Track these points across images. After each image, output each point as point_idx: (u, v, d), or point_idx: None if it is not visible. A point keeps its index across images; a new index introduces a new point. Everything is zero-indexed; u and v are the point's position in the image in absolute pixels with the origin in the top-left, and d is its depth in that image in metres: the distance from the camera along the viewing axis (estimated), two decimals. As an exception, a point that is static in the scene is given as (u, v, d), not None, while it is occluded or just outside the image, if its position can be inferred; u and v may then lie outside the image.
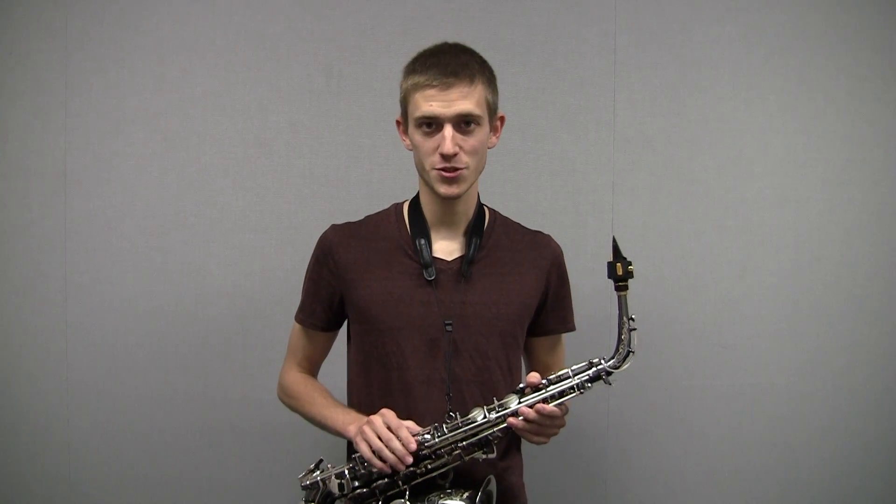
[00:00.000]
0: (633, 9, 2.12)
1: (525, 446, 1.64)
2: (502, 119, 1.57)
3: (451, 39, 1.56)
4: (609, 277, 1.39)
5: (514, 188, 2.10)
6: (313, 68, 2.11)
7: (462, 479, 1.45)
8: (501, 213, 1.65)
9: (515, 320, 1.56)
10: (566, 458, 2.11)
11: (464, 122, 1.45)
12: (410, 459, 1.39)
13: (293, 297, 1.66)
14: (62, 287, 2.11)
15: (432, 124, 1.45)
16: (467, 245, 1.55)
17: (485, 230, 1.58)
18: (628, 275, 1.38)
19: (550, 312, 1.63)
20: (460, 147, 1.44)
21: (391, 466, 1.39)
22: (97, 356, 2.11)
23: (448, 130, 1.43)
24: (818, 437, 2.14)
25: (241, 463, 2.12)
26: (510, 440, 1.58)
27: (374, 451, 1.39)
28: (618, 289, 1.39)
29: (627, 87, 2.12)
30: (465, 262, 1.53)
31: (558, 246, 1.65)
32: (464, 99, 1.43)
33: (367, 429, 1.41)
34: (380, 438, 1.39)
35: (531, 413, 1.39)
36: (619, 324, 1.40)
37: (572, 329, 1.69)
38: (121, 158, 2.11)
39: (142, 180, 2.11)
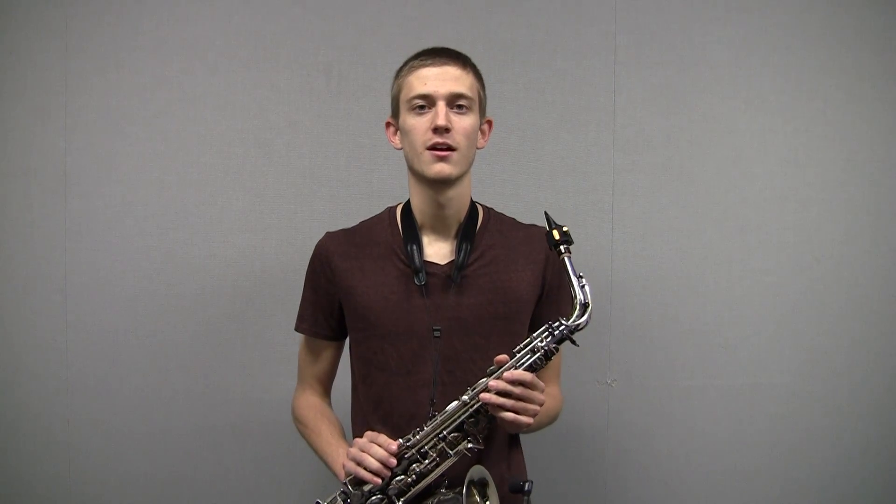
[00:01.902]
0: (633, 9, 2.12)
1: (525, 445, 1.64)
2: (490, 123, 1.59)
3: (451, 39, 1.58)
4: (550, 247, 1.45)
5: (514, 188, 2.10)
6: (313, 68, 2.11)
7: (458, 483, 1.42)
8: (496, 209, 1.64)
9: (515, 318, 1.56)
10: (566, 458, 2.11)
11: (456, 105, 1.48)
12: (394, 461, 1.39)
13: (293, 297, 1.66)
14: (62, 287, 2.11)
15: (425, 106, 1.48)
16: (457, 251, 1.54)
17: (477, 232, 1.57)
18: (565, 237, 1.44)
19: (547, 305, 1.61)
20: (453, 126, 1.46)
21: (377, 473, 1.38)
22: (97, 356, 2.11)
23: (441, 106, 1.46)
24: (818, 437, 2.14)
25: (241, 463, 2.12)
26: (513, 443, 1.58)
27: (358, 464, 1.40)
28: (559, 253, 1.44)
29: (627, 87, 2.12)
30: (454, 269, 1.53)
31: None
32: (457, 80, 1.48)
33: (350, 450, 1.43)
34: (361, 451, 1.40)
35: (501, 384, 1.38)
36: (570, 284, 1.43)
37: None
38: (121, 158, 2.11)
39: (142, 180, 2.11)
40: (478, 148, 1.55)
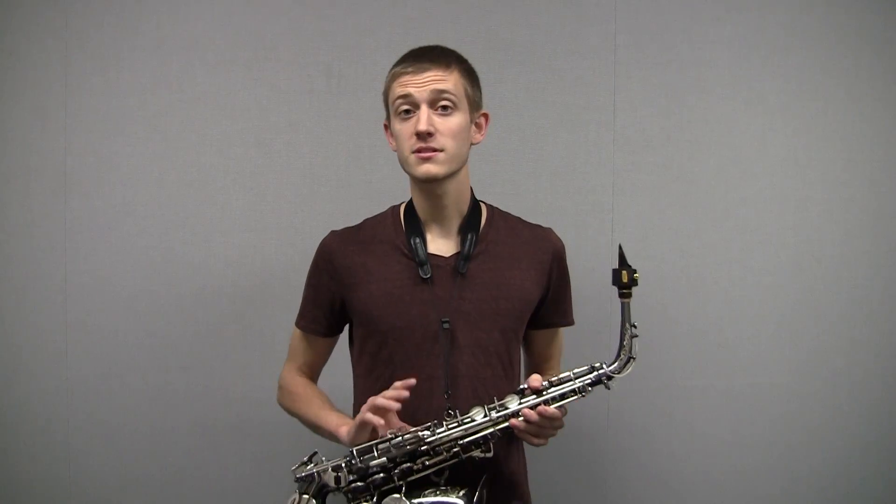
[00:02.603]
0: (633, 9, 2.12)
1: (527, 446, 1.64)
2: (486, 116, 1.58)
3: (451, 39, 1.58)
4: (613, 284, 1.41)
5: (514, 188, 2.10)
6: (313, 68, 2.11)
7: (457, 477, 1.44)
8: (500, 209, 1.65)
9: (516, 315, 1.57)
10: (566, 458, 2.11)
11: (440, 106, 1.47)
12: (406, 394, 1.40)
13: (293, 297, 1.66)
14: (62, 287, 2.11)
15: (410, 110, 1.47)
16: (462, 241, 1.55)
17: (482, 226, 1.58)
18: (633, 282, 1.40)
19: (551, 306, 1.63)
20: (437, 129, 1.46)
21: (391, 398, 1.39)
22: (97, 356, 2.11)
23: (423, 110, 1.46)
24: (818, 437, 2.14)
25: (241, 462, 2.12)
26: (513, 441, 1.59)
27: (374, 412, 1.40)
28: (622, 296, 1.41)
29: (627, 87, 2.12)
30: (460, 259, 1.53)
31: (559, 239, 1.65)
32: (438, 82, 1.47)
33: (363, 407, 1.43)
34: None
35: (533, 415, 1.40)
36: (621, 330, 1.42)
37: (571, 323, 1.70)
38: (121, 158, 2.11)
39: (142, 180, 2.11)
40: (474, 143, 1.55)
